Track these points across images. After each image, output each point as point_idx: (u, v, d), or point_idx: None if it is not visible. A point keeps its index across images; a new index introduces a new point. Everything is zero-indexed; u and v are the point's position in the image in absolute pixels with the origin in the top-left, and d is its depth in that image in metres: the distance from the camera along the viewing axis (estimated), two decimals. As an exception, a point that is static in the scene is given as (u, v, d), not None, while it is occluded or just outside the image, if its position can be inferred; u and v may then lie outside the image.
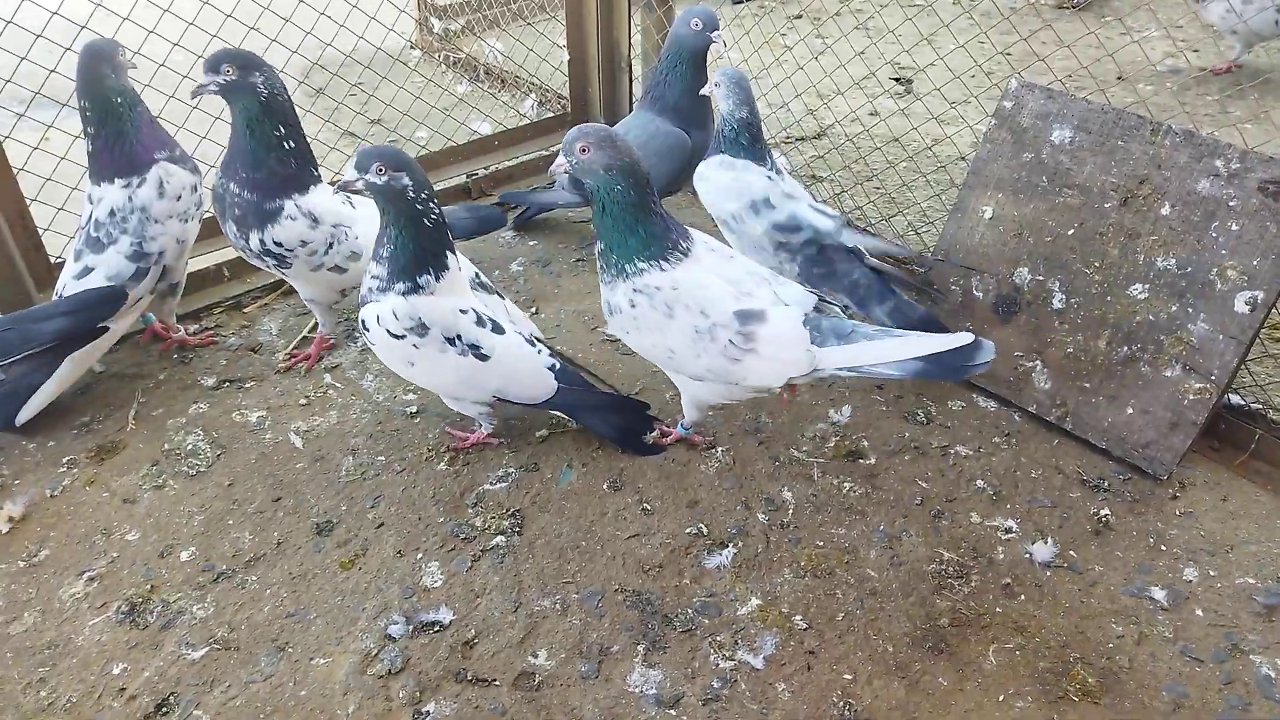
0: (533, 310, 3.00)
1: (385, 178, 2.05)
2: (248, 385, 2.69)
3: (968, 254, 2.61)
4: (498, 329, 2.26)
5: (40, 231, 2.76)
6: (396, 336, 2.19)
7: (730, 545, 2.17)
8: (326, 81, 3.66)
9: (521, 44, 4.14)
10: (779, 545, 2.18)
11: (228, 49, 2.37)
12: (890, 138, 3.70)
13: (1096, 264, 2.40)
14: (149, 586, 2.10)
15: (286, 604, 2.07)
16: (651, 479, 2.37)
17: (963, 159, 3.55)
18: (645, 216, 2.12)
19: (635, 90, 3.79)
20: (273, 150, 2.39)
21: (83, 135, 2.48)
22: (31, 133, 2.78)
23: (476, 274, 2.43)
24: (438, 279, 2.19)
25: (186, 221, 2.58)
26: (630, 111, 3.82)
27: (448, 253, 2.21)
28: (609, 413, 2.43)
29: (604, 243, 2.17)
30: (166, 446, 2.46)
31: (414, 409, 2.60)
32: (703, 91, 2.70)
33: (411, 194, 2.09)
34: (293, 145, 2.43)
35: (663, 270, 2.13)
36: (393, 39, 3.59)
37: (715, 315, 2.11)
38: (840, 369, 2.06)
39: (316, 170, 2.52)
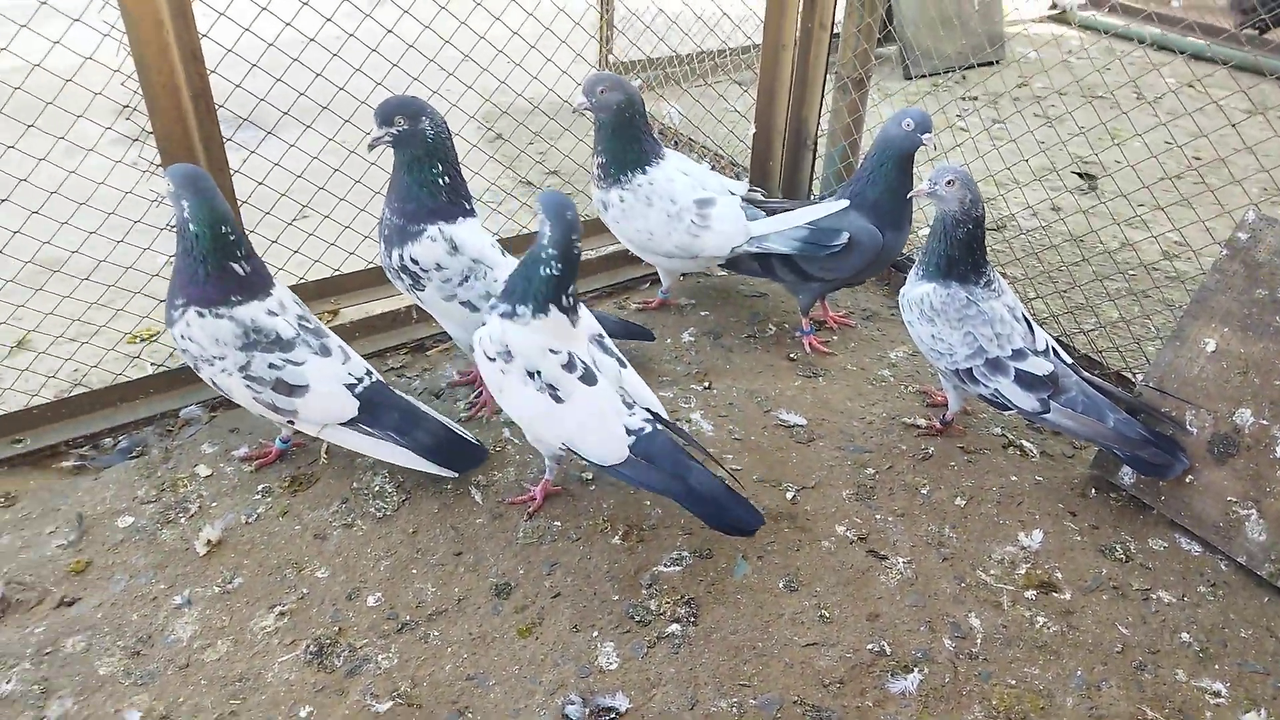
0: (705, 385, 2.99)
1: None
2: (430, 431, 2.75)
3: (1184, 385, 2.48)
4: (588, 379, 2.25)
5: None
6: (489, 358, 2.28)
7: (915, 670, 2.09)
8: (511, 131, 3.76)
9: (701, 105, 4.18)
10: (968, 678, 2.09)
11: (396, 99, 2.44)
12: (1070, 236, 3.59)
13: (1333, 417, 2.25)
14: (336, 629, 2.15)
15: (467, 665, 2.08)
16: (829, 583, 2.31)
17: (1148, 269, 3.41)
18: (639, 139, 2.93)
19: (818, 168, 3.77)
20: (425, 186, 2.49)
21: None
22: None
23: (602, 336, 2.40)
24: (535, 315, 2.22)
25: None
26: (812, 190, 3.81)
27: (560, 299, 2.22)
28: (685, 500, 2.25)
29: (605, 157, 2.95)
30: (355, 485, 2.53)
31: (589, 475, 2.61)
32: (913, 194, 2.64)
33: (542, 244, 2.19)
34: (446, 181, 2.51)
35: (644, 173, 2.95)
36: (567, 86, 3.64)
37: (681, 202, 2.95)
38: (759, 235, 2.95)
39: (469, 205, 2.59)
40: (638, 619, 2.20)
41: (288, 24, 2.57)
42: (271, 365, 2.33)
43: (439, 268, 2.54)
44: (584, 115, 2.98)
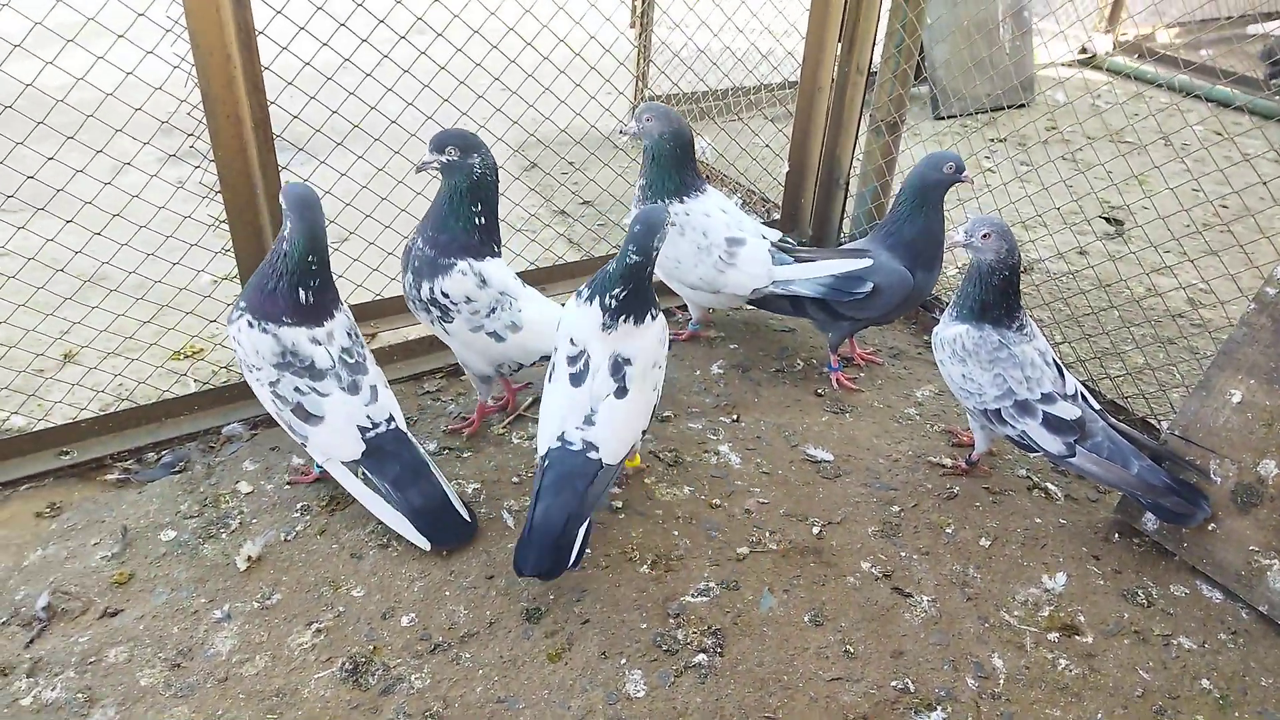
0: (734, 417, 3.04)
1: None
2: (465, 455, 2.82)
3: (1208, 434, 2.51)
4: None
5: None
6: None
7: (939, 709, 2.12)
8: (547, 162, 3.84)
9: (736, 143, 4.26)
10: (990, 718, 2.12)
11: (452, 131, 2.54)
12: (1099, 282, 3.62)
13: (1358, 471, 2.27)
14: (371, 647, 2.20)
15: (497, 688, 2.13)
16: (854, 619, 2.34)
17: (1174, 317, 3.45)
18: (681, 168, 3.03)
19: (849, 207, 3.83)
20: (462, 220, 2.58)
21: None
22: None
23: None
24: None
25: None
26: (843, 229, 3.88)
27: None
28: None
29: (647, 181, 3.06)
30: (391, 506, 2.59)
31: (619, 503, 2.66)
32: (950, 245, 2.69)
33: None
34: (483, 221, 2.61)
35: (682, 203, 3.05)
36: (605, 119, 3.72)
37: (713, 237, 3.04)
38: (783, 280, 3.04)
39: (498, 248, 2.68)
40: (665, 648, 2.24)
41: (346, 59, 2.67)
42: (297, 390, 2.39)
43: (468, 300, 2.61)
44: (628, 138, 3.11)
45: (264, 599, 2.31)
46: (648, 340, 2.40)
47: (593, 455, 2.31)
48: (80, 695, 2.06)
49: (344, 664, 2.16)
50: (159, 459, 2.73)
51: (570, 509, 2.26)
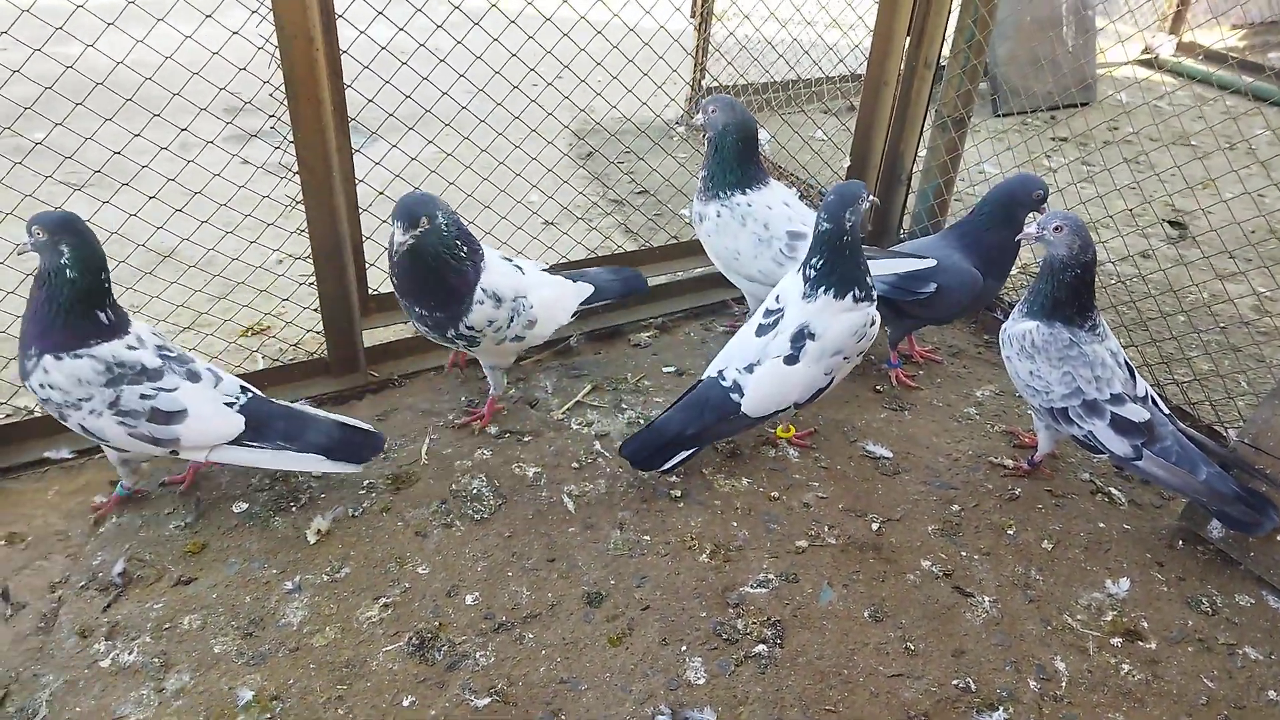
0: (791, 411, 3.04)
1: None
2: (525, 439, 2.85)
3: (1280, 444, 2.47)
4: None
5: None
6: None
7: (1000, 709, 2.12)
8: (602, 143, 3.86)
9: (799, 136, 4.25)
10: None
11: (408, 201, 2.37)
12: (1163, 286, 3.57)
13: None
14: (437, 624, 2.24)
15: (560, 669, 2.16)
16: (914, 616, 2.34)
17: (1242, 324, 3.39)
18: (743, 161, 3.00)
19: (909, 202, 3.81)
20: (455, 265, 2.49)
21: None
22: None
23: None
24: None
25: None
26: (902, 225, 3.85)
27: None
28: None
29: (709, 172, 3.04)
30: (454, 487, 2.63)
31: (678, 492, 2.68)
32: (1020, 238, 2.67)
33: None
34: (465, 252, 2.50)
35: (744, 194, 3.02)
36: (667, 110, 3.72)
37: (774, 230, 2.99)
38: None
39: (481, 250, 2.60)
40: (725, 637, 2.26)
41: (421, 44, 2.70)
42: (143, 395, 2.25)
43: (491, 323, 2.61)
44: (693, 128, 3.10)
45: (333, 572, 2.36)
46: (840, 324, 2.54)
47: (734, 397, 2.56)
48: (156, 660, 2.12)
49: (411, 639, 2.20)
50: (229, 433, 2.79)
51: (688, 428, 2.56)
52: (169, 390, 2.29)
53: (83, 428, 2.28)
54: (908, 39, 3.41)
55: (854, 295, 2.53)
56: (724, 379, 2.59)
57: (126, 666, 2.11)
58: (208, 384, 2.36)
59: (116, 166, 2.65)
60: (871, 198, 2.53)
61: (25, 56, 2.33)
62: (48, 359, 2.20)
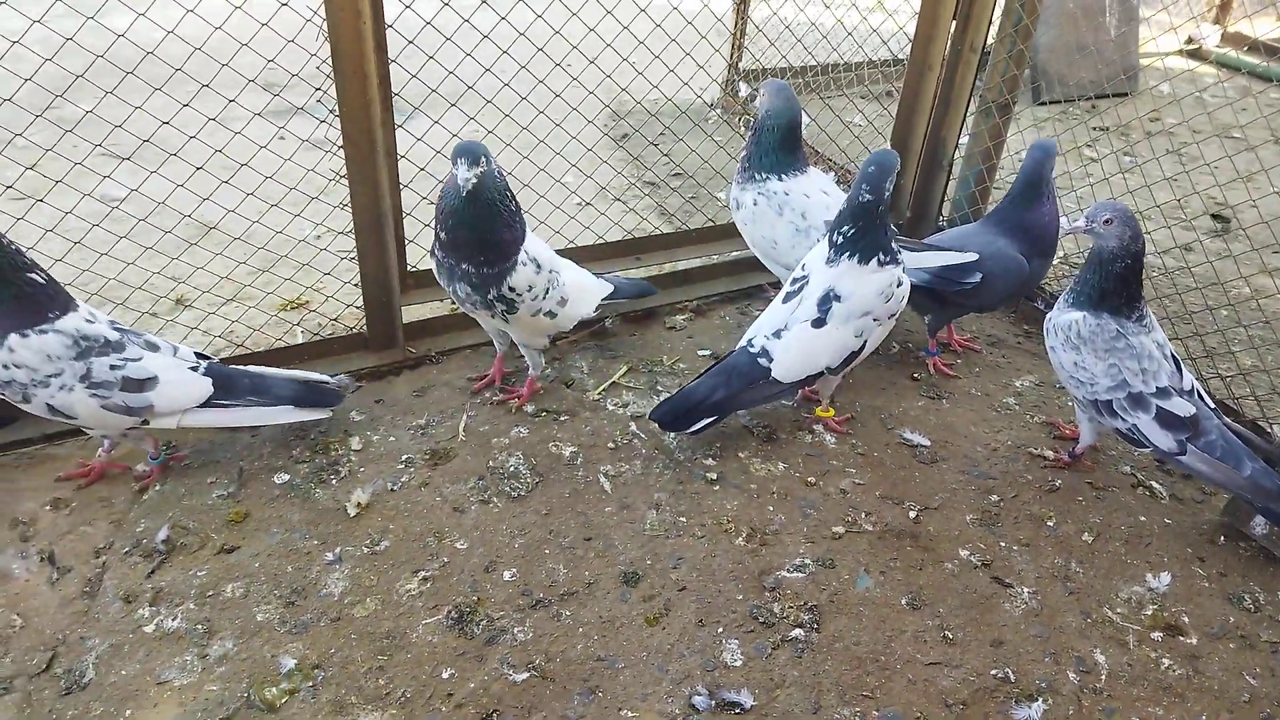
0: (829, 398, 3.03)
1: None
2: (562, 418, 2.85)
3: (1330, 442, 2.44)
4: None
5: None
6: None
7: (1039, 700, 2.11)
8: (642, 123, 3.83)
9: (840, 119, 4.20)
10: (1091, 713, 2.09)
11: (466, 144, 2.36)
12: (1206, 279, 3.52)
13: None
14: (475, 598, 2.25)
15: (597, 646, 2.17)
16: (952, 605, 2.33)
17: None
18: (783, 148, 2.97)
19: (950, 189, 3.77)
20: (508, 218, 2.51)
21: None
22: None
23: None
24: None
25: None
26: (942, 211, 3.82)
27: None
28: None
29: (748, 155, 3.02)
30: (491, 464, 2.64)
31: (713, 475, 2.67)
32: (1069, 230, 2.63)
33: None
34: (515, 206, 2.55)
35: (781, 181, 2.99)
36: (707, 91, 3.68)
37: (811, 219, 2.95)
38: None
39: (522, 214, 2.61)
40: (761, 620, 2.26)
41: (466, 20, 2.70)
42: (113, 366, 2.28)
43: (530, 288, 2.60)
44: (745, 100, 3.09)
45: (373, 545, 2.37)
46: (866, 285, 2.56)
47: (763, 362, 2.61)
48: (199, 626, 2.15)
49: (450, 612, 2.21)
50: (270, 405, 2.81)
51: (716, 394, 2.62)
52: (135, 360, 2.32)
53: (49, 407, 2.26)
54: (954, 23, 3.37)
55: (878, 260, 2.56)
56: (752, 345, 2.64)
57: (170, 632, 2.14)
58: (167, 352, 2.42)
59: (162, 138, 2.66)
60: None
61: (78, 25, 2.35)
62: (12, 338, 2.18)
